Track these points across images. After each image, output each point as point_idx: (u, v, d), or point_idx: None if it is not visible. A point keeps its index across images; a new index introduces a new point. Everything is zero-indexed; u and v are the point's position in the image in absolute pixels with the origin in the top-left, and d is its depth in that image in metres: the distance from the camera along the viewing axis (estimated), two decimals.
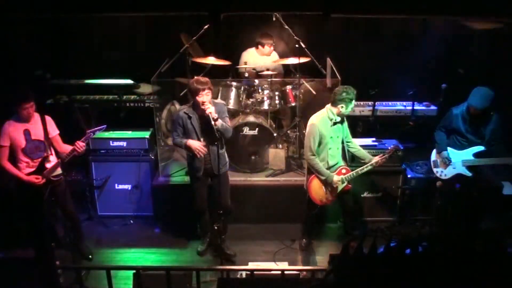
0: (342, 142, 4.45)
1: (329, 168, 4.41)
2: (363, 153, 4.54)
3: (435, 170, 4.75)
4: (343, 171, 4.43)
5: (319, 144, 4.34)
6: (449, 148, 4.60)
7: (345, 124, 4.49)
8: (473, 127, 4.47)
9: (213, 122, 4.08)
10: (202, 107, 4.12)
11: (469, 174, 4.53)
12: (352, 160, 4.77)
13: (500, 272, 1.42)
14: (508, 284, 1.42)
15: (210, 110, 4.07)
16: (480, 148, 4.46)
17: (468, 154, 4.51)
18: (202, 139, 4.30)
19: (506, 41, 5.49)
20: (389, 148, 4.50)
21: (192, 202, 4.64)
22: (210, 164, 4.38)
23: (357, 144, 4.61)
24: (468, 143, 4.52)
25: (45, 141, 4.27)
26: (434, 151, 4.76)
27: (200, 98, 4.12)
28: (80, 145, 4.16)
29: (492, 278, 1.41)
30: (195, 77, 4.30)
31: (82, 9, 5.55)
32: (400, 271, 1.43)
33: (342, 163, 4.48)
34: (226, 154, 4.53)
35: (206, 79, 4.20)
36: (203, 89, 4.10)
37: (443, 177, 4.68)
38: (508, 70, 5.31)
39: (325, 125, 4.31)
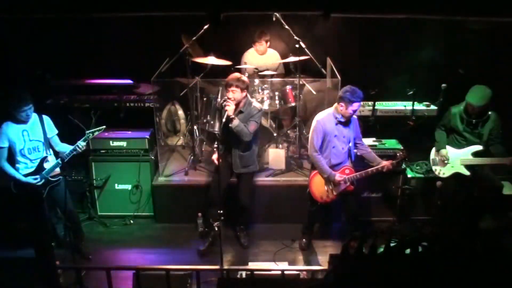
0: (349, 143, 4.40)
1: (331, 167, 4.38)
2: (373, 156, 4.48)
3: (434, 168, 4.76)
4: (347, 171, 4.41)
5: (323, 141, 4.33)
6: (448, 147, 4.61)
7: (356, 125, 4.43)
8: (471, 126, 4.47)
9: (224, 119, 4.24)
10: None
11: (467, 173, 4.54)
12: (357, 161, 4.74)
13: (500, 272, 1.42)
14: (508, 284, 1.42)
15: (228, 108, 4.23)
16: (479, 147, 4.47)
17: (466, 153, 4.51)
18: (221, 131, 4.45)
19: (506, 40, 5.49)
20: (398, 155, 4.48)
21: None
22: (231, 161, 4.54)
23: (367, 146, 4.57)
24: (467, 142, 4.52)
25: (43, 141, 4.28)
26: (434, 149, 4.77)
27: (227, 93, 4.34)
28: (80, 145, 4.18)
29: (492, 278, 1.41)
30: (235, 73, 4.49)
31: (82, 9, 5.57)
32: (400, 271, 1.43)
33: (347, 163, 4.46)
34: (255, 157, 4.65)
35: (238, 77, 4.35)
36: (230, 85, 4.32)
37: (441, 175, 4.69)
38: (507, 70, 5.31)
39: (329, 122, 4.29)
